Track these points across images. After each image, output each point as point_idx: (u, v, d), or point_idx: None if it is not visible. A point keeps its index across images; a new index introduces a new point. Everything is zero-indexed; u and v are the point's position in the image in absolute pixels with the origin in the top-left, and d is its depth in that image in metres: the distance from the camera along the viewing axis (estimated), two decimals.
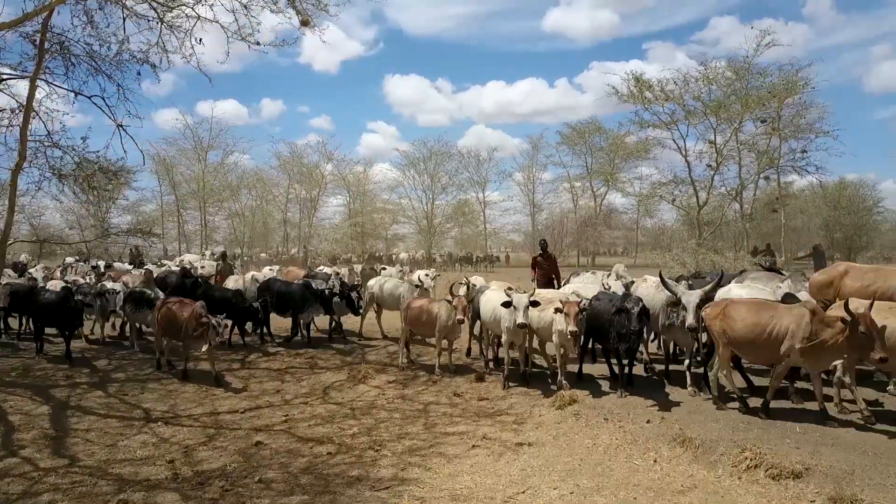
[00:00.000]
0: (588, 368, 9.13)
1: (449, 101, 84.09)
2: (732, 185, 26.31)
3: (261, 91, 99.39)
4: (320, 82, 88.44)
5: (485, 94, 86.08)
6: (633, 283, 9.62)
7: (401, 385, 9.17)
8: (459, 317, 9.11)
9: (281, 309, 12.00)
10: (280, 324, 12.83)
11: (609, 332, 7.82)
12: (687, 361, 7.80)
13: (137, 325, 12.01)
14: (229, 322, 11.15)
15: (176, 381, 9.59)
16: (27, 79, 10.65)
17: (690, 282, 8.75)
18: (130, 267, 17.95)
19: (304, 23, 11.68)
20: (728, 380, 7.05)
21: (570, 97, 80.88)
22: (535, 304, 8.18)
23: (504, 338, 8.74)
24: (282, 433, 7.38)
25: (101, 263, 16.81)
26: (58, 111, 11.29)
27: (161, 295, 11.03)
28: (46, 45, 10.79)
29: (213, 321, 8.85)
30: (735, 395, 6.92)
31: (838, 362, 6.37)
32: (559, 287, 11.41)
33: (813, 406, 6.56)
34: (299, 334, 12.08)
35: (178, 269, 18.25)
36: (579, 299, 8.04)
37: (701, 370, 7.87)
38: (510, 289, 8.92)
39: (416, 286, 12.03)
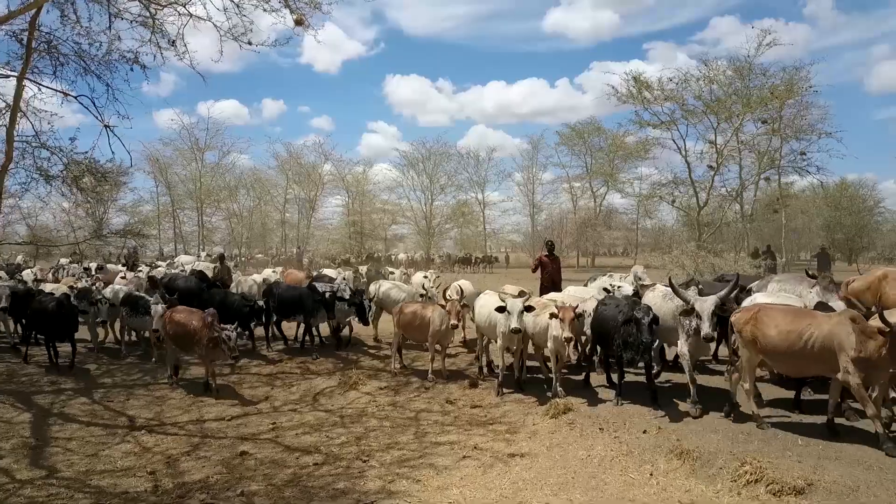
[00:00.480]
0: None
1: (450, 101, 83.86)
2: (733, 185, 26.12)
3: (261, 91, 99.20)
4: (321, 82, 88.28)
5: (485, 95, 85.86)
6: (646, 286, 9.04)
7: (393, 391, 8.96)
8: (454, 321, 8.91)
9: (286, 313, 11.43)
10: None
11: (614, 339, 7.34)
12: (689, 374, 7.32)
13: (135, 330, 11.74)
14: (245, 332, 10.75)
15: (164, 388, 9.39)
16: (14, 78, 10.43)
17: (701, 286, 8.28)
18: (123, 269, 17.71)
19: (298, 22, 11.46)
20: (749, 392, 6.43)
21: (571, 97, 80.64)
22: (529, 308, 7.97)
23: (498, 343, 8.53)
24: (268, 442, 7.19)
25: (93, 265, 16.57)
26: (46, 111, 11.09)
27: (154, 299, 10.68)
28: (34, 43, 10.58)
29: (225, 335, 8.28)
30: (754, 410, 6.37)
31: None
32: (560, 290, 11.10)
33: (815, 418, 6.35)
34: (309, 339, 11.44)
35: (184, 270, 18.05)
36: (576, 304, 7.84)
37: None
38: (523, 292, 8.73)
39: (422, 295, 11.73)
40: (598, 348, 8.56)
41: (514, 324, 7.80)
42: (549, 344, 7.88)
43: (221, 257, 18.01)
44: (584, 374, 8.48)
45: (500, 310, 8.03)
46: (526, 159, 47.30)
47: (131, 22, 10.59)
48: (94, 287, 12.15)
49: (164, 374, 9.88)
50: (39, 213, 34.69)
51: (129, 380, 9.90)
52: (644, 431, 6.46)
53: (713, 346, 7.14)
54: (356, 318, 11.22)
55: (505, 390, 8.47)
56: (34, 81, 10.67)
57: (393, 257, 40.70)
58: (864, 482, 4.84)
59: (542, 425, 7.11)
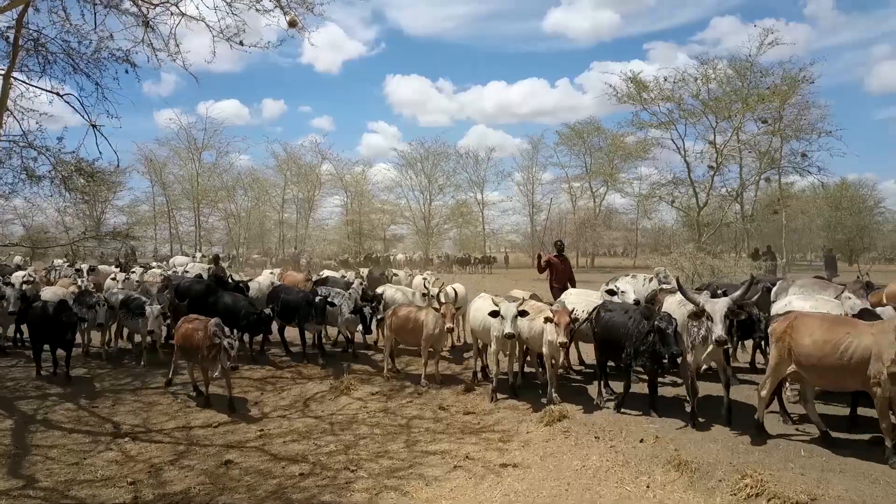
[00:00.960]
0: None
1: (450, 101, 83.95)
2: (733, 185, 25.92)
3: (262, 91, 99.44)
4: (322, 82, 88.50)
5: (486, 95, 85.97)
6: (668, 290, 8.53)
7: (385, 397, 8.76)
8: (449, 325, 8.73)
9: (285, 318, 11.01)
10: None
11: (626, 348, 7.02)
12: (688, 387, 6.92)
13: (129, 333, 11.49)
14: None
15: (152, 393, 9.19)
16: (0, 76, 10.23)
17: (722, 290, 7.92)
18: (116, 270, 17.48)
19: (292, 24, 11.25)
20: (762, 404, 6.13)
21: (572, 97, 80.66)
22: (523, 313, 7.77)
23: (492, 347, 8.34)
24: (254, 450, 6.99)
25: (85, 266, 16.34)
26: (35, 111, 10.89)
27: (149, 302, 10.43)
28: (21, 41, 10.38)
29: (226, 342, 7.80)
30: (760, 417, 6.12)
31: None
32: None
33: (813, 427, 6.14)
34: (301, 346, 10.94)
35: (177, 272, 17.76)
36: (571, 308, 7.63)
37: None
38: (535, 296, 8.50)
39: (423, 295, 11.42)
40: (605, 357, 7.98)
41: (507, 329, 7.61)
42: (545, 349, 7.68)
43: (216, 258, 17.81)
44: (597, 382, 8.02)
45: (494, 314, 7.84)
46: (525, 159, 47.19)
47: (123, 22, 10.39)
48: (91, 289, 11.96)
49: (155, 379, 9.73)
50: (35, 213, 34.56)
51: (117, 384, 9.68)
52: (641, 440, 6.26)
53: (719, 353, 6.76)
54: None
55: (499, 396, 8.26)
56: (22, 81, 10.49)
57: (392, 258, 40.49)
58: (870, 496, 4.64)
59: (537, 433, 6.91)
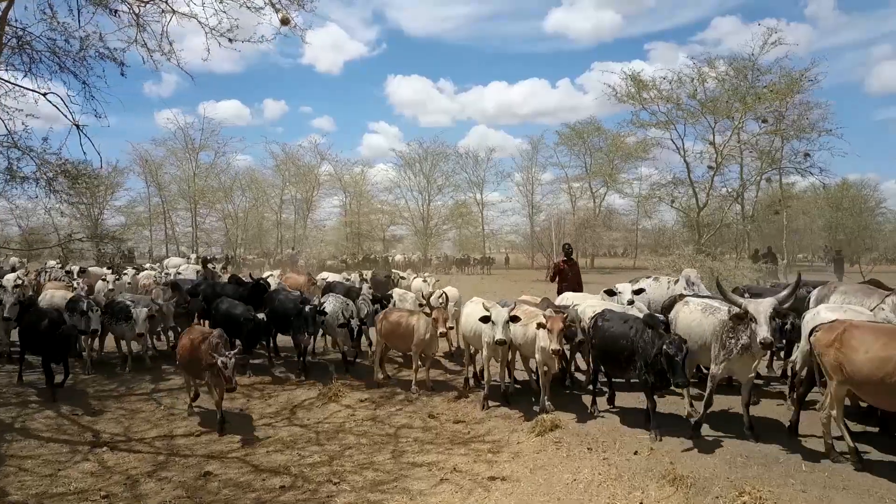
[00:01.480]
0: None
1: (451, 101, 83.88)
2: (733, 185, 25.62)
3: (263, 92, 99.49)
4: (323, 83, 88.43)
5: (487, 95, 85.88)
6: (686, 295, 7.96)
7: (374, 404, 8.52)
8: (442, 329, 8.50)
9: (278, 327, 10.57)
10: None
11: (626, 359, 6.63)
12: (700, 403, 6.55)
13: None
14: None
15: (137, 400, 8.96)
16: None
17: (747, 294, 7.53)
18: (108, 271, 17.23)
19: (284, 21, 11.05)
20: (841, 427, 5.45)
21: (573, 98, 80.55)
22: (514, 318, 7.54)
23: (484, 353, 8.10)
24: (236, 461, 6.75)
25: (75, 268, 16.11)
26: (20, 110, 10.67)
27: (145, 306, 10.17)
28: (5, 39, 10.15)
29: (220, 361, 7.04)
30: (848, 451, 5.41)
31: None
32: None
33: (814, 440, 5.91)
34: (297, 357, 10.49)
35: (169, 273, 17.47)
36: (564, 314, 7.39)
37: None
38: (547, 300, 8.24)
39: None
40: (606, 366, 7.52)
41: (498, 335, 7.38)
42: (537, 356, 7.45)
43: (205, 261, 17.56)
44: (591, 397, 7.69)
45: (485, 319, 7.60)
46: (525, 159, 46.95)
47: (116, 22, 10.17)
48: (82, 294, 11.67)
49: (140, 385, 9.55)
50: (31, 214, 34.39)
51: (102, 391, 9.45)
52: (635, 452, 6.03)
53: (759, 362, 6.31)
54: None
55: (491, 403, 8.04)
56: (4, 80, 10.27)
57: (390, 258, 40.24)
58: None
59: (528, 444, 6.67)
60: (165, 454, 7.03)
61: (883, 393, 5.00)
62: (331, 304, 10.15)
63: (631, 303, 8.51)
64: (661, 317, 7.43)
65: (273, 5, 10.78)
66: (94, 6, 10.20)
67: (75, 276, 15.49)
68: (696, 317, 6.84)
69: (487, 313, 7.60)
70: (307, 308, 9.62)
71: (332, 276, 16.38)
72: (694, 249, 20.03)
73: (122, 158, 40.79)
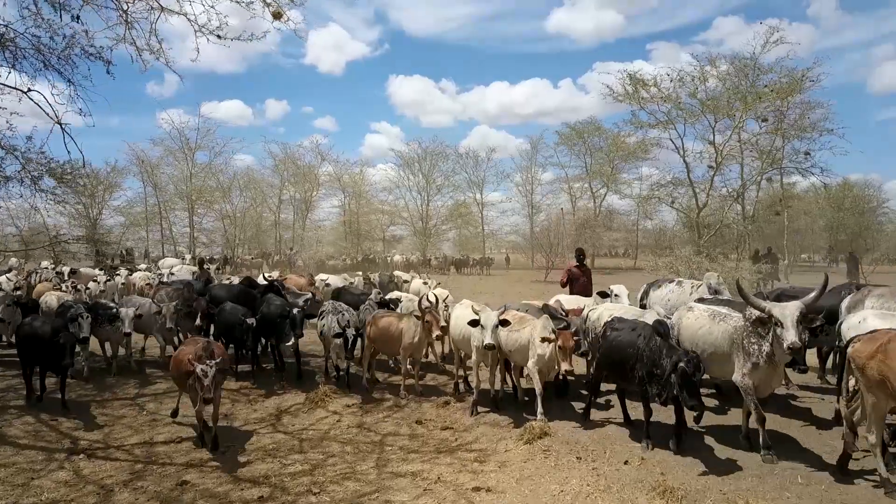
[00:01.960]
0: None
1: (453, 101, 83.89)
2: (734, 185, 25.40)
3: (265, 92, 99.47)
4: (325, 83, 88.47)
5: (488, 95, 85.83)
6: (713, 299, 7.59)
7: (361, 410, 8.32)
8: (437, 333, 8.31)
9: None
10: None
11: (634, 370, 6.17)
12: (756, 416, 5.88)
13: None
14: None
15: (120, 406, 8.77)
16: None
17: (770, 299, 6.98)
18: (100, 272, 17.08)
19: (276, 15, 10.87)
20: (875, 447, 4.92)
21: (574, 98, 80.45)
22: (504, 323, 7.33)
23: (473, 358, 7.90)
24: (215, 470, 6.54)
25: (66, 269, 15.94)
26: (3, 108, 10.48)
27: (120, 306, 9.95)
28: None
29: (199, 370, 6.52)
30: (881, 472, 4.89)
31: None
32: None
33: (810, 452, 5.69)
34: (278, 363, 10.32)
35: (161, 274, 17.26)
36: (567, 326, 7.11)
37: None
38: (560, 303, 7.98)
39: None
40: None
41: (487, 339, 7.18)
42: (530, 364, 7.18)
43: (201, 262, 17.38)
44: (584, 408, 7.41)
45: (474, 323, 7.40)
46: (525, 159, 46.78)
47: (105, 20, 9.97)
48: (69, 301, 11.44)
49: (125, 390, 9.37)
50: (29, 215, 34.21)
51: (85, 396, 9.25)
52: (626, 462, 5.82)
53: (778, 380, 5.97)
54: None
55: (480, 409, 7.83)
56: None
57: (389, 259, 40.06)
58: None
59: (515, 452, 6.46)
60: (143, 462, 6.83)
61: None
62: (328, 315, 9.41)
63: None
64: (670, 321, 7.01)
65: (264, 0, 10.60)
66: (80, 1, 10.03)
67: (66, 278, 15.30)
68: (704, 324, 6.40)
69: (476, 317, 7.40)
70: (294, 311, 9.37)
71: (331, 279, 16.16)
72: (691, 251, 19.77)
73: (120, 159, 40.65)
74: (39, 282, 16.26)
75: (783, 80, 21.39)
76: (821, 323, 5.97)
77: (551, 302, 9.58)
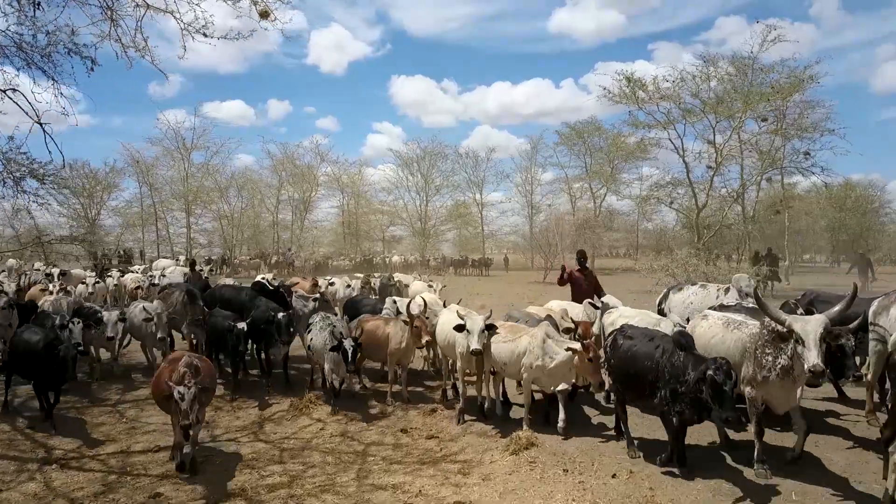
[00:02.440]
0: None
1: (454, 101, 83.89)
2: (733, 186, 25.18)
3: (267, 92, 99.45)
4: (327, 83, 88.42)
5: (490, 96, 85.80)
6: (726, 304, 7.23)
7: (346, 418, 8.08)
8: (427, 337, 8.09)
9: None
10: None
11: (655, 387, 5.56)
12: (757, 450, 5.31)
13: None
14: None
15: (100, 413, 8.55)
16: None
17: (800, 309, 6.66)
18: (92, 274, 16.87)
19: (263, 14, 10.67)
20: None
21: (576, 98, 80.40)
22: (491, 327, 7.09)
23: (459, 364, 7.67)
24: (190, 482, 6.31)
25: (56, 270, 15.75)
26: None
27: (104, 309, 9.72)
28: None
29: (176, 393, 5.92)
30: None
31: None
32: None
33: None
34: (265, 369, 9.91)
35: (153, 275, 17.04)
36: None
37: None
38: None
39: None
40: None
41: (474, 344, 6.96)
42: (524, 374, 6.91)
43: (192, 263, 17.16)
44: None
45: (459, 328, 7.17)
46: (525, 159, 46.56)
47: (91, 16, 9.77)
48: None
49: (108, 396, 9.15)
50: (23, 217, 34.02)
51: (65, 402, 9.01)
52: (613, 476, 5.58)
53: (796, 397, 5.44)
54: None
55: (467, 418, 7.60)
56: None
57: (387, 260, 39.86)
58: None
59: (501, 463, 6.22)
60: (118, 473, 6.61)
61: None
62: (316, 326, 8.81)
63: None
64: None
65: None
66: None
67: (55, 279, 15.09)
68: (717, 332, 5.95)
69: (462, 321, 7.17)
70: (280, 315, 9.11)
71: (336, 280, 15.86)
72: (688, 252, 19.51)
73: (118, 159, 40.47)
74: (29, 283, 16.10)
75: (784, 81, 21.15)
76: (846, 340, 5.35)
77: (547, 307, 9.30)
